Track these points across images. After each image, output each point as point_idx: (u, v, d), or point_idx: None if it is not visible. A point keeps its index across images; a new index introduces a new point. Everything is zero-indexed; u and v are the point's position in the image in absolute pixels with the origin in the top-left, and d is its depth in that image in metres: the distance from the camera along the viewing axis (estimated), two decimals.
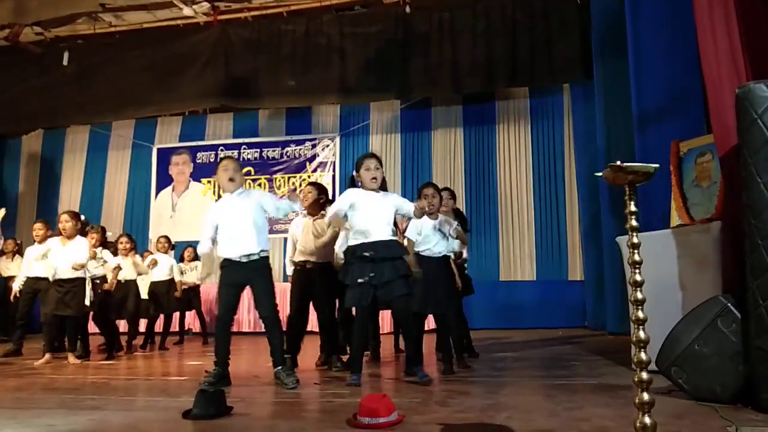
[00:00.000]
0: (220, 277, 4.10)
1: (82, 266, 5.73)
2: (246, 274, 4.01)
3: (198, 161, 11.34)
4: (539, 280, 9.64)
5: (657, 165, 1.86)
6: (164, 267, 7.47)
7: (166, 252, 7.70)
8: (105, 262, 6.60)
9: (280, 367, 3.95)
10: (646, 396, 1.81)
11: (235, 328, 10.11)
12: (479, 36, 8.79)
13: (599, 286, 7.85)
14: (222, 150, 11.23)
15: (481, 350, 5.67)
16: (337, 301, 4.87)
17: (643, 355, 1.83)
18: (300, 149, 10.95)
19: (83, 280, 5.89)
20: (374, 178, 3.95)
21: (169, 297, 7.54)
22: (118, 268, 6.55)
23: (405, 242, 4.39)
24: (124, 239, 7.05)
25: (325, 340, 4.96)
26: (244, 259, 4.00)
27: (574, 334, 7.91)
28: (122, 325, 7.68)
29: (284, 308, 4.59)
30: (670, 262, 3.67)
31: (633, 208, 1.91)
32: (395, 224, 4.16)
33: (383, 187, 4.07)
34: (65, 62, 9.86)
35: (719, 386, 2.82)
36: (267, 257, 4.12)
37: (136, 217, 11.35)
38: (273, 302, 4.07)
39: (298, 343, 4.83)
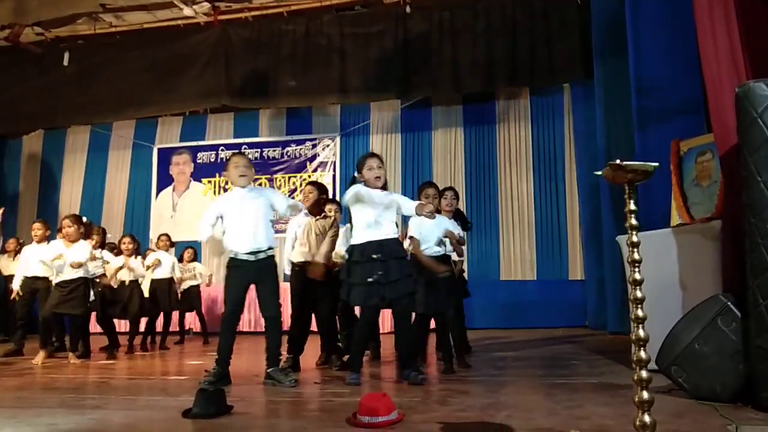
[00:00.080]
0: (227, 276, 4.07)
1: (80, 265, 5.73)
2: (253, 273, 4.00)
3: (198, 161, 11.34)
4: (540, 279, 9.64)
5: (656, 164, 1.86)
6: (165, 265, 7.48)
7: (167, 250, 7.71)
8: (107, 262, 6.61)
9: (273, 368, 3.94)
10: (645, 394, 1.81)
11: None
12: (479, 36, 8.78)
13: (600, 286, 7.86)
14: (222, 150, 11.24)
15: (481, 350, 5.68)
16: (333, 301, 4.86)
17: (642, 354, 1.83)
18: (300, 149, 10.96)
19: (85, 279, 5.90)
20: (378, 177, 3.96)
21: (170, 295, 7.55)
22: (120, 267, 6.57)
23: (407, 243, 4.39)
24: (126, 240, 7.06)
25: (325, 340, 4.96)
26: (252, 258, 4.00)
27: (575, 333, 7.91)
28: (123, 325, 7.70)
29: (285, 308, 4.59)
30: (670, 261, 3.67)
31: (632, 206, 1.91)
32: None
33: (384, 186, 4.07)
34: (65, 62, 9.86)
35: (719, 385, 2.82)
36: (273, 255, 4.14)
37: (137, 217, 11.35)
38: (278, 302, 4.08)
39: (301, 345, 4.83)
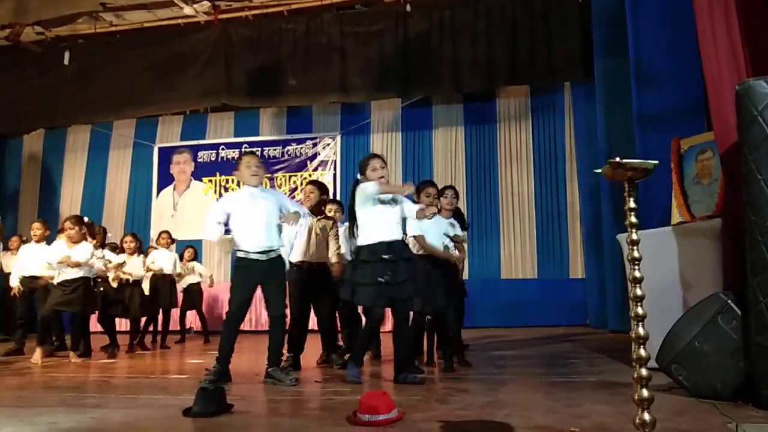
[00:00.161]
0: (234, 276, 4.05)
1: (78, 264, 5.72)
2: (262, 273, 4.00)
3: (199, 160, 11.34)
4: (540, 278, 9.63)
5: (656, 161, 1.86)
6: (167, 262, 7.48)
7: (167, 247, 7.72)
8: (109, 261, 6.61)
9: (274, 367, 3.94)
10: (645, 392, 1.81)
11: None
12: (480, 35, 8.78)
13: (600, 284, 7.86)
14: (223, 149, 11.24)
15: (481, 348, 5.68)
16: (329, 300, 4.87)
17: (642, 352, 1.83)
18: (301, 148, 10.95)
19: (86, 279, 5.89)
20: (382, 177, 3.96)
21: (171, 292, 7.55)
22: (120, 263, 6.58)
23: (412, 242, 4.39)
24: (128, 238, 7.07)
25: (325, 339, 4.96)
26: (263, 257, 3.99)
27: (575, 332, 7.91)
28: (124, 324, 7.70)
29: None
30: (670, 260, 3.67)
31: (632, 204, 1.91)
32: None
33: None
34: (66, 62, 9.86)
35: (719, 383, 2.82)
36: (281, 255, 4.16)
37: (138, 216, 11.35)
38: (284, 302, 4.08)
39: (301, 344, 4.83)
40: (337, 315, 5.17)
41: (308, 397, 3.56)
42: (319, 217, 4.92)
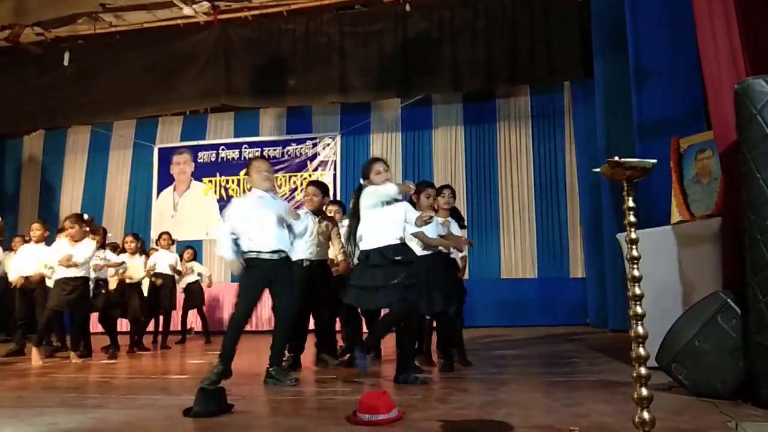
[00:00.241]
0: (243, 276, 3.99)
1: (75, 264, 5.71)
2: (271, 272, 3.98)
3: (199, 161, 11.35)
4: (540, 277, 9.64)
5: (654, 161, 1.86)
6: (167, 263, 7.49)
7: (168, 248, 7.73)
8: (108, 261, 6.62)
9: (275, 368, 3.94)
10: (644, 391, 1.81)
11: None
12: (479, 34, 8.78)
13: (601, 284, 7.86)
14: (223, 149, 11.24)
15: (481, 348, 5.68)
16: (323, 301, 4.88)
17: (641, 351, 1.83)
18: (301, 148, 10.96)
19: (86, 279, 5.90)
20: (387, 180, 3.97)
21: (172, 294, 7.56)
22: (120, 263, 6.58)
23: (415, 242, 4.39)
24: (129, 238, 7.08)
25: (319, 339, 4.95)
26: (275, 256, 3.98)
27: (576, 331, 7.91)
28: (125, 325, 7.71)
29: None
30: (670, 259, 3.67)
31: (631, 203, 1.91)
32: None
33: None
34: (66, 62, 9.86)
35: (719, 382, 2.82)
36: (289, 257, 4.19)
37: (138, 217, 11.36)
38: (291, 304, 4.08)
39: (302, 344, 4.83)
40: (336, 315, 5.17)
41: (308, 397, 3.56)
42: (320, 217, 4.92)
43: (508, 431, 2.38)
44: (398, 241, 3.90)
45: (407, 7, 8.97)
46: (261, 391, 3.73)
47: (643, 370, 1.82)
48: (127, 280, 6.78)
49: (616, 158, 1.85)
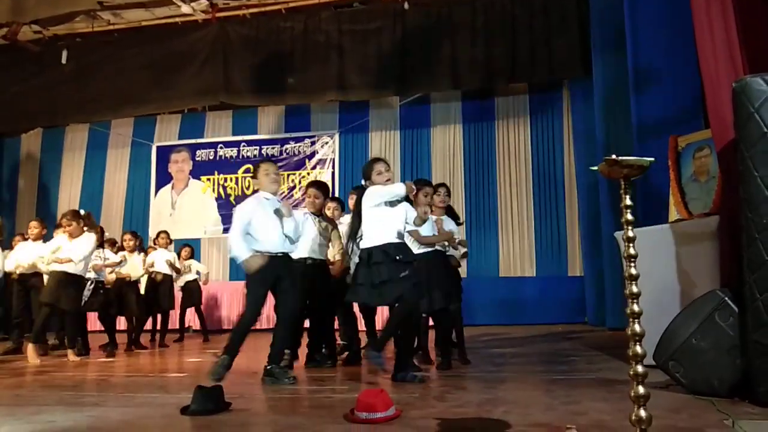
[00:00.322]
0: (253, 276, 3.96)
1: (70, 260, 5.69)
2: (279, 269, 4.00)
3: (197, 159, 11.34)
4: (539, 276, 9.65)
5: (651, 159, 1.86)
6: (165, 261, 7.49)
7: (166, 247, 7.72)
8: (106, 259, 6.61)
9: (273, 366, 3.94)
10: (641, 389, 1.81)
11: (233, 326, 10.15)
12: (478, 32, 8.77)
13: (599, 282, 7.86)
14: (221, 147, 11.24)
15: (480, 346, 5.68)
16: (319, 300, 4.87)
17: (638, 349, 1.83)
18: (299, 146, 10.95)
19: (81, 278, 5.87)
20: (389, 180, 3.97)
21: (170, 293, 7.55)
22: (118, 263, 6.58)
23: (410, 240, 4.39)
24: (127, 236, 7.07)
25: (313, 337, 4.94)
26: (280, 254, 4.03)
27: (574, 329, 7.92)
28: (123, 323, 7.70)
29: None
30: (668, 257, 3.67)
31: (628, 202, 1.91)
32: None
33: None
34: (64, 61, 9.86)
35: (716, 380, 2.82)
36: (292, 258, 4.25)
37: (136, 215, 11.36)
38: (293, 302, 4.08)
39: (299, 338, 4.84)
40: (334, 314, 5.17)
41: (306, 395, 3.56)
42: (320, 218, 4.93)
43: (506, 429, 2.38)
44: (399, 240, 3.90)
45: (406, 5, 8.97)
46: (259, 389, 3.73)
47: (640, 368, 1.82)
48: (124, 275, 6.78)
49: (614, 156, 1.85)
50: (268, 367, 3.94)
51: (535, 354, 5.50)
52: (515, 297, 9.39)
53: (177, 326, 8.24)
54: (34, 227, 6.55)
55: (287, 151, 10.95)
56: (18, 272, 6.62)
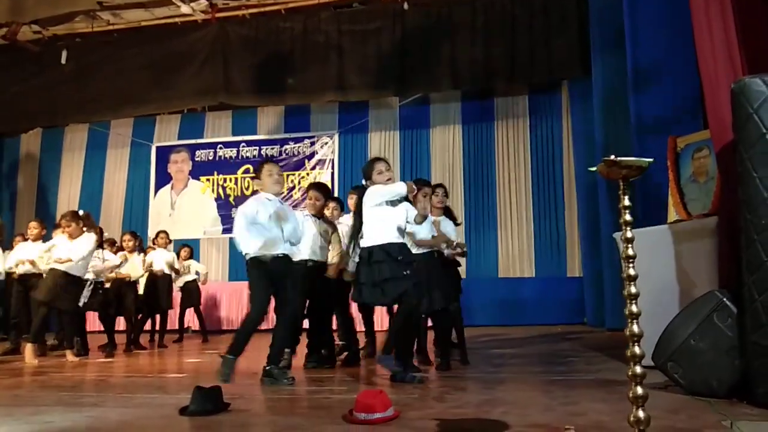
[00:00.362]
0: (253, 276, 3.96)
1: (69, 260, 5.69)
2: (282, 269, 3.99)
3: (197, 159, 11.34)
4: (538, 276, 9.65)
5: (650, 159, 1.86)
6: (165, 261, 7.48)
7: (165, 247, 7.72)
8: (105, 260, 6.60)
9: (272, 366, 3.94)
10: (639, 390, 1.81)
11: (233, 326, 10.14)
12: (478, 33, 8.78)
13: (598, 283, 7.86)
14: (221, 148, 11.24)
15: (479, 347, 5.68)
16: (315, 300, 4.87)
17: (636, 349, 1.83)
18: (299, 147, 10.95)
19: (79, 279, 5.86)
20: (390, 179, 3.97)
21: (168, 292, 7.55)
22: (117, 265, 6.57)
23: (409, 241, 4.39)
24: (127, 237, 7.07)
25: (312, 338, 4.94)
26: (281, 255, 4.01)
27: (573, 330, 7.92)
28: (122, 324, 7.70)
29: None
30: (666, 258, 3.67)
31: (627, 202, 1.91)
32: None
33: None
34: (63, 61, 9.86)
35: (715, 381, 2.82)
36: (292, 259, 4.22)
37: (135, 215, 11.36)
38: (295, 301, 4.08)
39: (297, 336, 4.84)
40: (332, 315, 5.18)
41: (305, 396, 3.56)
42: (321, 220, 4.93)
43: (504, 430, 2.38)
44: (400, 240, 3.90)
45: (405, 5, 8.97)
46: (258, 389, 3.73)
47: (638, 369, 1.82)
48: (123, 276, 6.77)
49: (612, 157, 1.85)
50: (267, 368, 3.94)
51: (534, 355, 5.49)
52: (514, 297, 9.39)
53: (176, 327, 8.23)
54: (33, 228, 6.55)
55: (287, 152, 10.95)
56: (19, 273, 6.61)
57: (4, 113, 10.15)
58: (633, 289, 1.87)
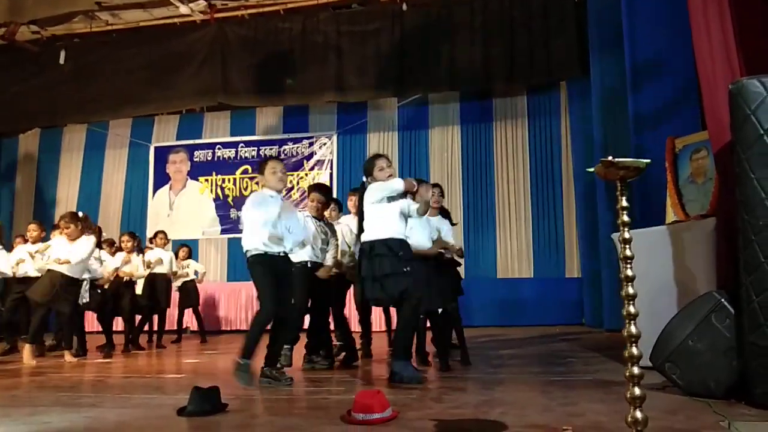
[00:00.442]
0: (259, 273, 3.91)
1: (68, 261, 5.68)
2: (279, 269, 3.97)
3: (195, 160, 11.33)
4: (537, 277, 9.65)
5: (647, 160, 1.86)
6: (164, 261, 7.48)
7: (164, 247, 7.72)
8: (103, 261, 6.60)
9: (269, 367, 3.93)
10: (637, 391, 1.81)
11: (232, 326, 10.13)
12: (476, 33, 8.78)
13: (596, 283, 7.87)
14: (219, 148, 11.23)
15: (477, 347, 5.68)
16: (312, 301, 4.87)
17: (634, 350, 1.83)
18: (297, 147, 10.95)
19: (77, 280, 5.85)
20: (391, 175, 3.97)
21: (167, 292, 7.54)
22: (117, 268, 6.57)
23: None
24: (125, 237, 7.07)
25: (311, 339, 4.94)
26: (282, 254, 4.01)
27: (572, 331, 7.92)
28: (120, 324, 7.69)
29: None
30: (664, 258, 3.67)
31: (624, 203, 1.91)
32: None
33: None
34: (62, 61, 9.85)
35: (713, 381, 2.82)
36: (291, 259, 4.22)
37: (134, 215, 11.35)
38: (293, 302, 4.08)
39: (297, 334, 4.84)
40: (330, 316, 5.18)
41: (303, 397, 3.56)
42: (322, 222, 4.94)
43: (502, 430, 2.38)
44: (401, 236, 3.90)
45: (404, 6, 8.98)
46: (256, 390, 3.72)
47: (635, 370, 1.82)
48: (123, 276, 6.77)
49: (610, 158, 1.85)
50: (265, 369, 3.94)
51: (533, 355, 5.49)
52: (513, 298, 9.39)
53: (174, 327, 8.22)
54: (33, 230, 6.53)
55: (285, 152, 10.95)
56: (18, 273, 6.60)
57: (3, 113, 10.14)
58: (631, 290, 1.87)
